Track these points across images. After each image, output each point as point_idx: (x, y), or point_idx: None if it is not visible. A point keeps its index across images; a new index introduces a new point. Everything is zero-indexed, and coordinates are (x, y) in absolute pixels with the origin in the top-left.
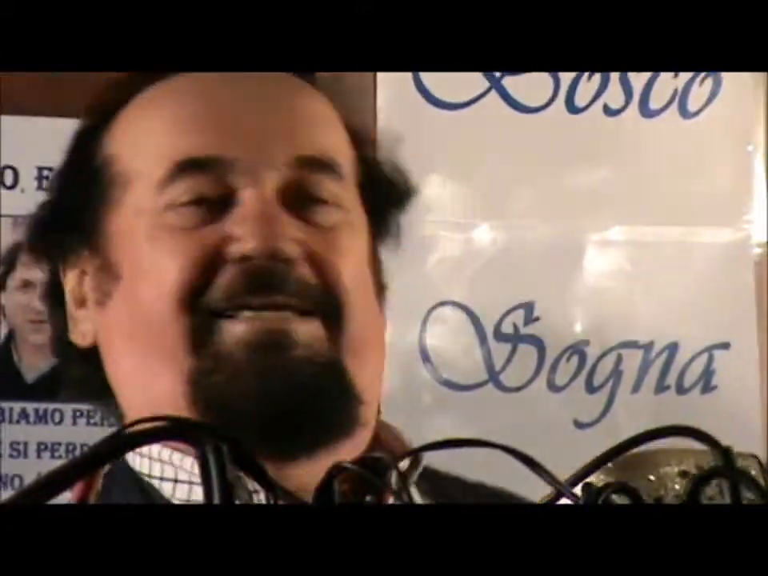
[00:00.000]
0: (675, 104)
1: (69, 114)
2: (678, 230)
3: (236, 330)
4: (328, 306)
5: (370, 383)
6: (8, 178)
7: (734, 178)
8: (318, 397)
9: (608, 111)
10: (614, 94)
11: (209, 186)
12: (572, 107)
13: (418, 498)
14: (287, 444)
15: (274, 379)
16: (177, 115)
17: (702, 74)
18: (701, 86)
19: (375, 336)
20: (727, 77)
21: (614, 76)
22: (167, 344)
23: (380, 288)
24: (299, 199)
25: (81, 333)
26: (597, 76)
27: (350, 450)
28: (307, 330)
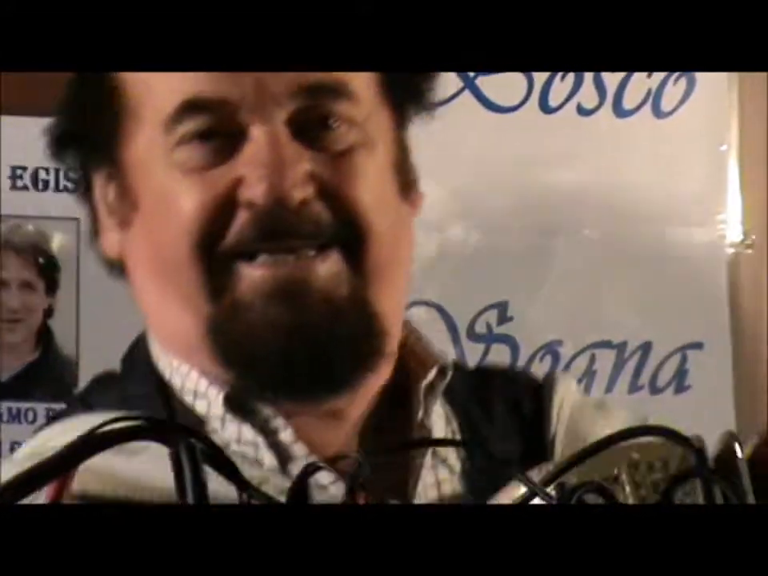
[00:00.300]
0: (649, 104)
1: (40, 114)
2: (652, 229)
3: (253, 276)
4: (346, 237)
5: (394, 309)
6: None
7: (707, 178)
8: (339, 337)
9: (582, 111)
10: (587, 94)
11: (218, 125)
12: (546, 107)
13: (440, 414)
14: (311, 387)
15: (293, 325)
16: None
17: (676, 74)
18: (674, 86)
19: (399, 257)
20: (701, 77)
21: (588, 76)
22: (184, 287)
23: (409, 194)
24: (311, 128)
25: (109, 243)
26: (570, 76)
27: (373, 383)
28: (325, 268)
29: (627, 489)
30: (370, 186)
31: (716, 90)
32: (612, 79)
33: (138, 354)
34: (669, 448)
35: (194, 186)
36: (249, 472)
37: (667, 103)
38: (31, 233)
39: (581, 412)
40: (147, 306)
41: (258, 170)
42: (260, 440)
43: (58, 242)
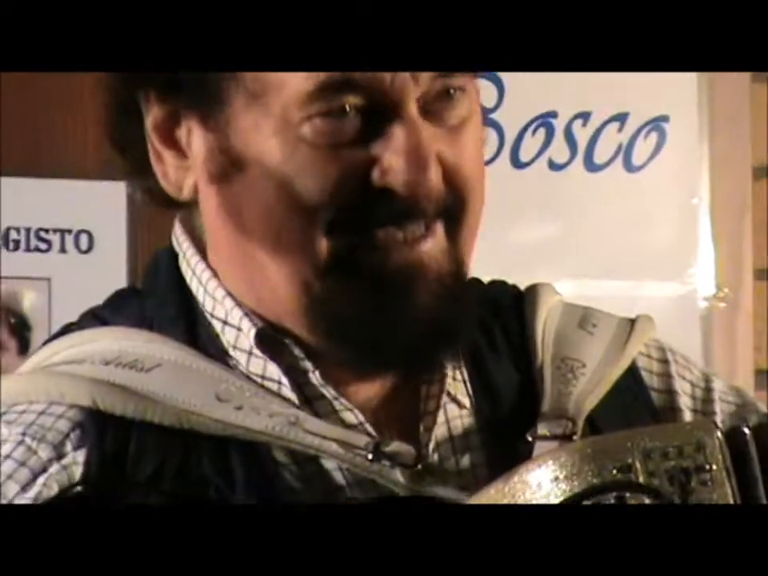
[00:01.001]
0: (620, 158)
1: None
2: (625, 283)
3: (371, 256)
4: (452, 211)
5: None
6: None
7: (679, 231)
8: (447, 316)
9: (553, 166)
10: (558, 149)
11: (355, 104)
12: (517, 162)
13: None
14: (412, 365)
15: (407, 306)
16: None
17: (647, 129)
18: (645, 140)
19: (480, 219)
20: (671, 131)
21: (559, 131)
22: (291, 257)
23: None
24: (436, 103)
25: (175, 181)
26: (541, 131)
27: None
28: (434, 245)
29: (641, 478)
30: (474, 156)
31: (687, 144)
32: (583, 134)
33: (165, 274)
34: (682, 432)
35: (324, 161)
36: (271, 406)
37: (638, 157)
38: (2, 293)
39: (565, 335)
40: (225, 262)
41: (400, 155)
42: (285, 380)
43: (29, 301)
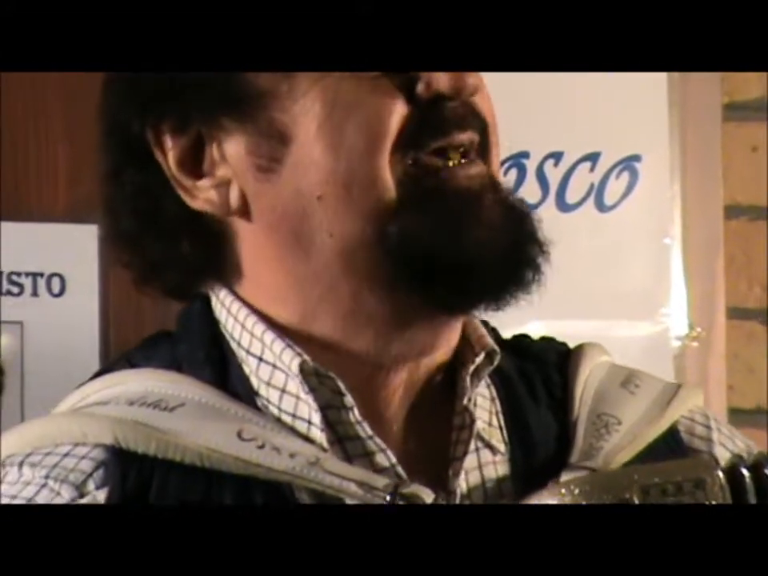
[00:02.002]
0: (592, 198)
1: None
2: (597, 323)
3: (425, 174)
4: (485, 133)
5: None
6: None
7: (651, 271)
8: (519, 240)
9: None
10: (530, 189)
11: None
12: None
13: (484, 395)
14: (498, 290)
15: (481, 230)
16: None
17: (619, 168)
18: (617, 180)
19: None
20: (643, 171)
21: (531, 171)
22: (367, 197)
23: None
24: None
25: (220, 201)
26: (513, 171)
27: (437, 357)
28: (481, 170)
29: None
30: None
31: (659, 183)
32: (554, 174)
33: (198, 317)
34: (681, 469)
35: (376, 87)
36: (293, 446)
37: (610, 197)
38: None
39: (605, 392)
40: (284, 258)
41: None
42: (316, 419)
43: (2, 345)
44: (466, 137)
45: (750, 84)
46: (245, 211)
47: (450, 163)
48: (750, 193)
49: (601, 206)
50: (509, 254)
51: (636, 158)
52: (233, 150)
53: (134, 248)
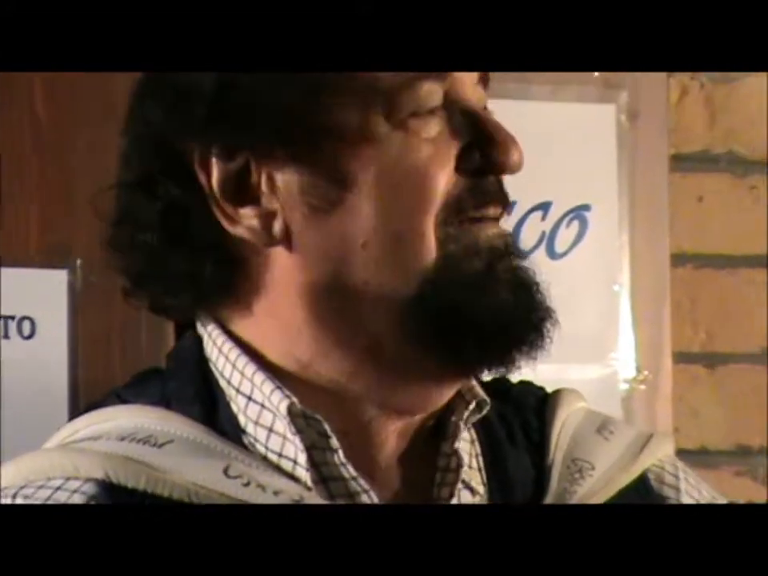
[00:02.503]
0: (543, 245)
1: None
2: (548, 367)
3: (466, 239)
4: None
5: None
6: None
7: (601, 316)
8: (540, 298)
9: None
10: None
11: (444, 96)
12: None
13: (465, 437)
14: (524, 349)
15: (505, 283)
16: None
17: (569, 217)
18: (567, 229)
19: None
20: (593, 220)
21: None
22: (410, 251)
23: None
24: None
25: (262, 230)
26: None
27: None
28: (502, 228)
29: None
30: None
31: (608, 232)
32: (508, 222)
33: (188, 355)
34: None
35: (437, 154)
36: (278, 484)
37: (561, 244)
38: None
39: (581, 437)
40: (307, 303)
41: (502, 138)
42: (301, 459)
43: None
44: (499, 210)
45: (695, 137)
46: (286, 244)
47: (484, 230)
48: (696, 241)
49: (552, 254)
50: (525, 319)
51: (586, 207)
52: (284, 184)
53: (148, 259)
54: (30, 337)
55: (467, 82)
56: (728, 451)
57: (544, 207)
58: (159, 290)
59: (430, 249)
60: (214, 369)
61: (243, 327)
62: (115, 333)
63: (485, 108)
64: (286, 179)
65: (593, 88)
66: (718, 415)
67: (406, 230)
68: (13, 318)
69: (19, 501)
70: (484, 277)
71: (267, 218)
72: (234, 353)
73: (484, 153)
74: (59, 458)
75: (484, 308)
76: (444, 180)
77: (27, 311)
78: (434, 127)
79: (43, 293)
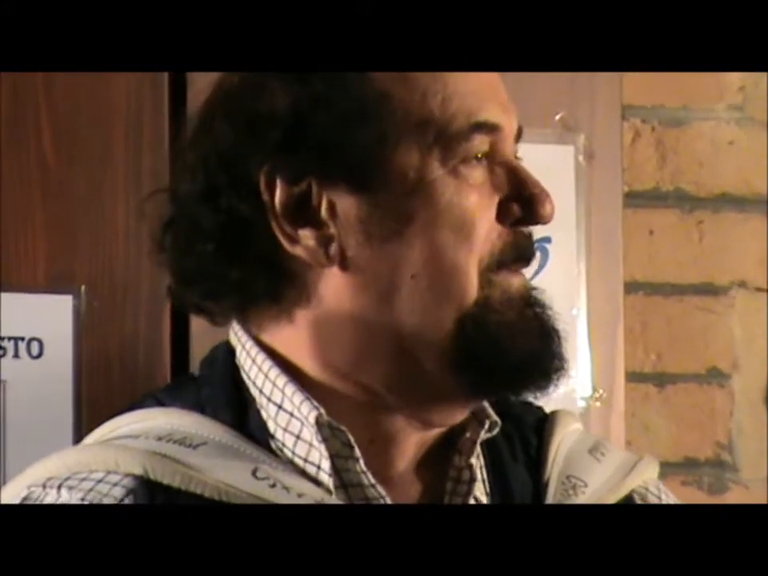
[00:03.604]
0: None
1: None
2: None
3: (504, 286)
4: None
5: None
6: None
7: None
8: (559, 336)
9: None
10: None
11: (490, 148)
12: None
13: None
14: (546, 382)
15: (538, 327)
16: (474, 81)
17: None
18: None
19: None
20: (553, 250)
21: None
22: (454, 288)
23: None
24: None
25: (318, 253)
26: None
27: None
28: (527, 282)
29: None
30: None
31: (566, 262)
32: None
33: (222, 366)
34: None
35: (482, 201)
36: (302, 487)
37: (525, 273)
38: None
39: (575, 457)
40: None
41: (539, 192)
42: (325, 465)
43: None
44: (527, 264)
45: (646, 175)
46: (340, 265)
47: (517, 279)
48: (647, 271)
49: None
50: (544, 366)
51: (547, 239)
52: (344, 211)
53: (200, 265)
54: (38, 356)
55: (509, 136)
56: (676, 463)
57: (535, 247)
58: (204, 294)
59: (473, 288)
60: (246, 378)
61: (280, 337)
62: (115, 353)
63: (519, 160)
64: (346, 207)
65: (553, 131)
66: (667, 430)
67: (453, 268)
68: (22, 339)
69: (64, 491)
70: (516, 321)
71: (325, 240)
72: (267, 364)
73: (522, 205)
74: (103, 453)
75: (514, 349)
76: (487, 227)
77: (35, 333)
78: (480, 176)
79: (50, 316)
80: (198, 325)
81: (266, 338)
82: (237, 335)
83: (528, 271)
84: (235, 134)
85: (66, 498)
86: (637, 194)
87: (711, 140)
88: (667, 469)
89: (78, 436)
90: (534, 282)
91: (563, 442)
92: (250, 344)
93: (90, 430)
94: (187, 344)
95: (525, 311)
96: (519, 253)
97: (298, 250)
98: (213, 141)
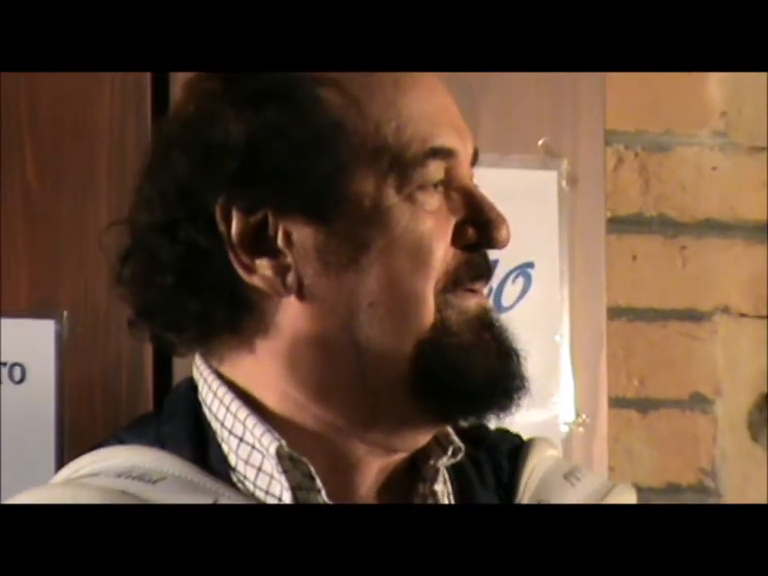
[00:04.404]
0: (491, 299)
1: None
2: None
3: (461, 307)
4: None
5: None
6: None
7: (543, 364)
8: (519, 356)
9: None
10: None
11: (445, 173)
12: None
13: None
14: (507, 402)
15: (497, 348)
16: (428, 107)
17: (515, 274)
18: (513, 284)
19: None
20: (536, 275)
21: None
22: (412, 314)
23: None
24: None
25: (274, 282)
26: None
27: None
28: (487, 304)
29: None
30: None
31: (550, 287)
32: None
33: (183, 400)
34: None
35: (438, 227)
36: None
37: (507, 298)
38: None
39: (548, 481)
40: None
41: (494, 217)
42: (286, 497)
43: None
44: (485, 283)
45: (630, 201)
46: (298, 295)
47: (474, 300)
48: (630, 297)
49: (499, 307)
50: (505, 387)
51: (530, 265)
52: (300, 241)
53: (159, 296)
54: (20, 382)
55: (465, 160)
56: (659, 488)
57: (492, 265)
58: (165, 326)
59: (430, 313)
60: (207, 412)
61: (242, 369)
62: (97, 378)
63: (474, 184)
64: (303, 236)
65: (536, 156)
66: (650, 456)
67: (410, 294)
68: (5, 364)
69: None
70: (475, 343)
71: (282, 270)
72: (228, 397)
73: (478, 229)
74: (61, 492)
75: (474, 371)
76: (443, 251)
77: (18, 358)
78: (435, 201)
79: (33, 341)
80: None
81: (227, 370)
82: (198, 370)
83: (511, 296)
84: (191, 164)
85: None
86: (620, 219)
87: (695, 165)
88: (650, 494)
89: (60, 461)
90: (518, 308)
91: (537, 467)
92: (211, 378)
93: (72, 455)
94: (170, 370)
95: (482, 333)
96: (475, 272)
97: (255, 280)
98: (170, 172)
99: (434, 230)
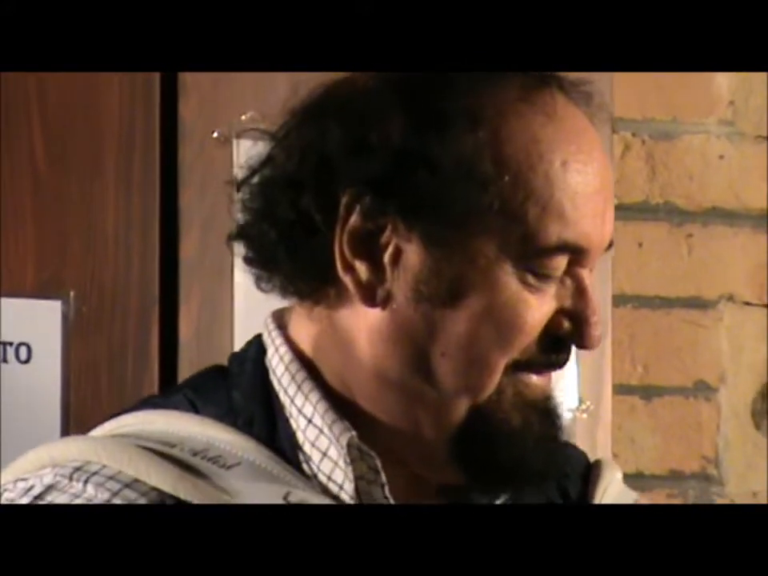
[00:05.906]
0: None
1: None
2: None
3: (522, 388)
4: None
5: None
6: None
7: None
8: (560, 439)
9: None
10: None
11: (568, 265)
12: None
13: None
14: (538, 481)
15: (544, 432)
16: (581, 197)
17: None
18: None
19: None
20: None
21: None
22: (475, 380)
23: None
24: None
25: (366, 290)
26: None
27: None
28: (551, 391)
29: None
30: None
31: None
32: None
33: (252, 367)
34: None
35: (539, 310)
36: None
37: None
38: None
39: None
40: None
41: (596, 321)
42: (347, 486)
43: None
44: (556, 371)
45: (636, 188)
46: (382, 307)
47: (538, 384)
48: (636, 284)
49: None
50: (533, 466)
51: None
52: (407, 263)
53: (262, 244)
54: (26, 361)
55: (595, 255)
56: (662, 476)
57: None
58: (256, 263)
59: (492, 385)
60: (275, 382)
61: (314, 342)
62: (104, 359)
63: (590, 280)
64: (411, 261)
65: None
66: (653, 443)
67: (483, 363)
68: (11, 344)
69: (90, 487)
70: (520, 428)
71: (376, 281)
72: (301, 375)
73: (575, 325)
74: (137, 459)
75: (509, 455)
76: (534, 332)
77: (24, 338)
78: (546, 287)
79: (39, 321)
80: (186, 332)
81: (299, 338)
82: (270, 335)
83: None
84: (343, 143)
85: (90, 494)
86: (626, 206)
87: (701, 154)
88: (653, 482)
89: None
90: None
91: (608, 491)
92: (283, 348)
93: (77, 433)
94: (175, 351)
95: (530, 417)
96: (552, 361)
97: (347, 278)
98: (319, 137)
99: (532, 313)
